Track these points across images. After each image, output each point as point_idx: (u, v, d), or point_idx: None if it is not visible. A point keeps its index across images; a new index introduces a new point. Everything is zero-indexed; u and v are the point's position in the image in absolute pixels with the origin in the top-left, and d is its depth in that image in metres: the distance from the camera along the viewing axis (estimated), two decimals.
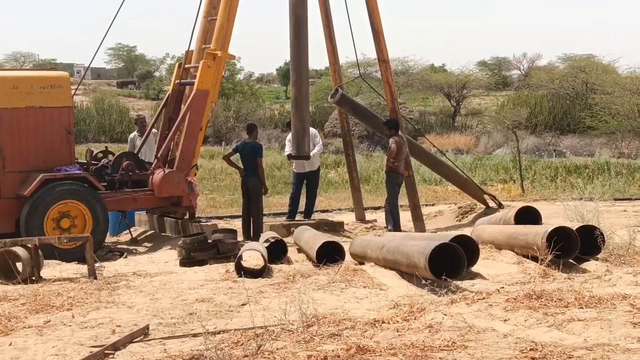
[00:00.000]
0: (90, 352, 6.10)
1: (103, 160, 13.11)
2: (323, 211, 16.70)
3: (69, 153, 12.33)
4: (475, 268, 8.94)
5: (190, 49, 13.57)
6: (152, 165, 12.87)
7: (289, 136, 14.44)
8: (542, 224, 10.31)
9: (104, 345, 6.26)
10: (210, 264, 10.30)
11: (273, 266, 9.81)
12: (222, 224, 13.77)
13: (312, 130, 14.34)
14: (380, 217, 14.97)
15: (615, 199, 17.50)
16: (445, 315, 6.86)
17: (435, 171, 17.27)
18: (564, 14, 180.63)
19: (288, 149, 14.35)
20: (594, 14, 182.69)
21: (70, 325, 7.12)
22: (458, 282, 8.20)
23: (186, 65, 13.59)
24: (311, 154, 13.87)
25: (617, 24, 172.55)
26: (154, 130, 14.49)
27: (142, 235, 13.82)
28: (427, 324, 6.61)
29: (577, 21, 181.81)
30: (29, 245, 9.68)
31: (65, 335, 6.74)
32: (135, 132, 15.13)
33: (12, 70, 26.01)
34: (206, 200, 18.86)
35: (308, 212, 14.42)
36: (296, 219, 14.16)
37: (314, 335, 6.31)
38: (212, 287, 8.77)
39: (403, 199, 14.53)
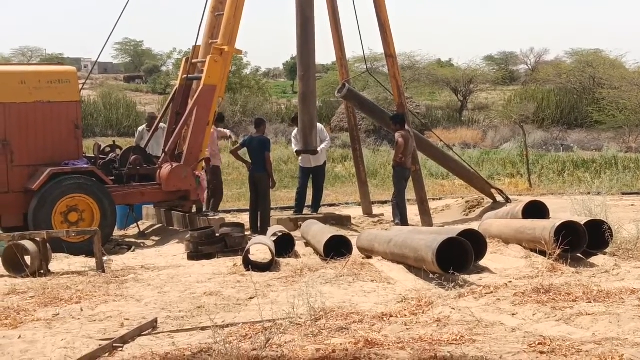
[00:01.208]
0: (99, 345, 6.11)
1: (111, 155, 13.14)
2: (330, 205, 16.72)
3: (76, 147, 12.36)
4: (483, 262, 8.93)
5: (197, 44, 13.58)
6: (160, 160, 12.89)
7: (295, 132, 14.47)
8: (549, 218, 10.30)
9: (112, 338, 6.28)
10: (218, 258, 10.33)
11: (281, 260, 9.83)
12: (229, 218, 13.79)
13: (318, 125, 14.33)
14: (387, 211, 14.96)
15: (623, 194, 17.47)
16: (453, 309, 6.86)
17: (443, 165, 17.27)
18: (571, 8, 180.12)
19: (295, 145, 14.39)
20: (602, 9, 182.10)
21: (79, 319, 7.15)
22: (466, 276, 8.20)
23: (193, 60, 13.59)
24: (319, 148, 13.88)
25: (625, 18, 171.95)
26: (162, 124, 14.51)
27: (150, 229, 13.85)
28: (435, 318, 6.61)
29: (585, 16, 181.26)
30: (37, 239, 9.72)
31: (74, 329, 6.76)
32: (144, 126, 15.20)
33: (19, 65, 26.10)
34: None
35: (315, 206, 14.44)
36: (303, 213, 14.17)
37: (322, 329, 6.32)
38: (220, 280, 8.79)
39: (410, 193, 14.52)
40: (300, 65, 13.79)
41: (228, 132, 15.78)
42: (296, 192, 14.54)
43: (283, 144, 31.75)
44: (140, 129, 15.40)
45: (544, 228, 9.11)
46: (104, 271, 9.58)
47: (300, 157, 14.38)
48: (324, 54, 43.88)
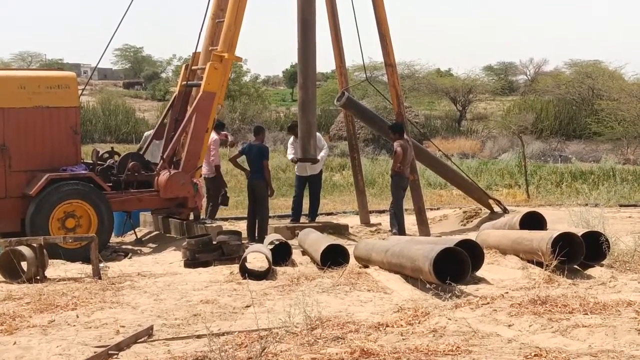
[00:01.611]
0: (94, 352, 6.10)
1: (109, 161, 13.14)
2: (328, 214, 16.71)
3: (75, 153, 12.36)
4: (479, 273, 8.93)
5: (197, 51, 13.59)
6: (158, 166, 12.88)
7: (291, 140, 14.50)
8: (547, 229, 10.30)
9: (108, 345, 6.26)
10: (214, 266, 10.31)
11: (277, 268, 9.81)
12: (227, 226, 13.78)
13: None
14: (385, 220, 14.96)
15: (621, 205, 17.45)
16: (450, 319, 6.85)
17: (441, 175, 17.26)
18: (570, 19, 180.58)
19: (291, 153, 14.42)
20: (601, 20, 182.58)
21: (74, 325, 7.14)
22: (462, 287, 8.19)
23: (193, 67, 13.61)
24: (318, 157, 13.91)
25: (624, 30, 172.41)
26: None
27: (147, 236, 13.84)
28: (431, 328, 6.60)
29: (584, 27, 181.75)
30: (34, 245, 9.70)
31: (69, 335, 6.75)
32: (152, 131, 15.20)
33: (19, 70, 26.07)
34: None
35: (312, 215, 14.44)
36: (301, 221, 14.17)
37: (318, 338, 6.31)
38: (216, 288, 8.78)
39: (408, 203, 14.52)
40: (300, 73, 13.82)
41: (224, 132, 15.77)
42: (292, 201, 14.56)
43: (282, 151, 31.74)
44: (147, 133, 15.38)
45: (541, 239, 9.11)
46: (100, 278, 9.57)
47: (296, 165, 14.40)
48: (324, 62, 44.16)
